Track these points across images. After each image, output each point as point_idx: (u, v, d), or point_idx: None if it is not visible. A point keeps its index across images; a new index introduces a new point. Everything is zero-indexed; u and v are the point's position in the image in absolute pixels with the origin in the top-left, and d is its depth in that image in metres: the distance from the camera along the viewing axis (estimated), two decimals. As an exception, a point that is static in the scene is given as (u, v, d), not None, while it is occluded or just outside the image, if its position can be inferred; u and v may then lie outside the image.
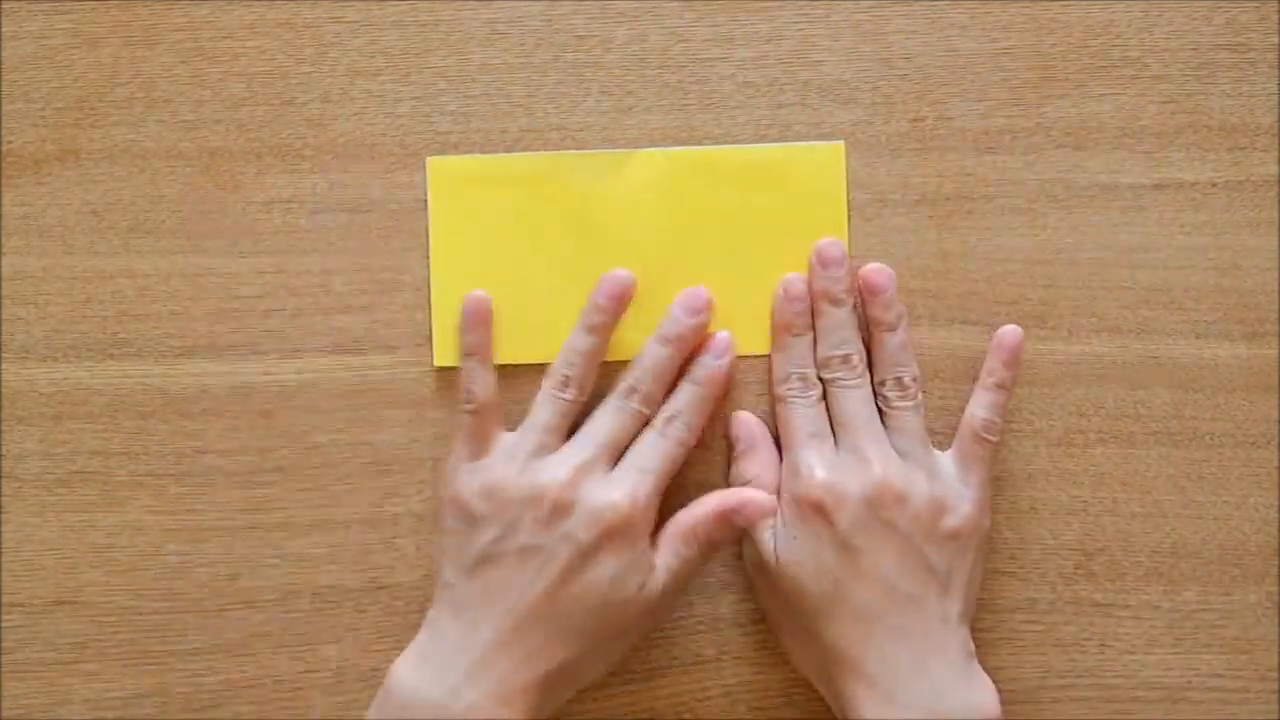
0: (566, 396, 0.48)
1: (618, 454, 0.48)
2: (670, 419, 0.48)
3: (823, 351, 0.49)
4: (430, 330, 0.51)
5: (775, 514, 0.48)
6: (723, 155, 0.50)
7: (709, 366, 0.49)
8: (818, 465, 0.47)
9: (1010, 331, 0.50)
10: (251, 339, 0.51)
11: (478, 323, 0.50)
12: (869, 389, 0.49)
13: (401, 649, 0.46)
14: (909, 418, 0.48)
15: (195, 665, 0.51)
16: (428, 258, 0.51)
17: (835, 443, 0.48)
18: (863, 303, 0.50)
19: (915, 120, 0.51)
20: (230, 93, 0.51)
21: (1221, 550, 0.50)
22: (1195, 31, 0.51)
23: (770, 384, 0.50)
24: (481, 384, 0.49)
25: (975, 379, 0.50)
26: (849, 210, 0.51)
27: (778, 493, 0.48)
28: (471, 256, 0.51)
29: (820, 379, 0.49)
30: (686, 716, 0.51)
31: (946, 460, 0.49)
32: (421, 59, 0.51)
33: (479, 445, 0.48)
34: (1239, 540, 0.50)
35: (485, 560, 0.46)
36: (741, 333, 0.50)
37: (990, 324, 0.50)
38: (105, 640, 0.51)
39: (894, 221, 0.51)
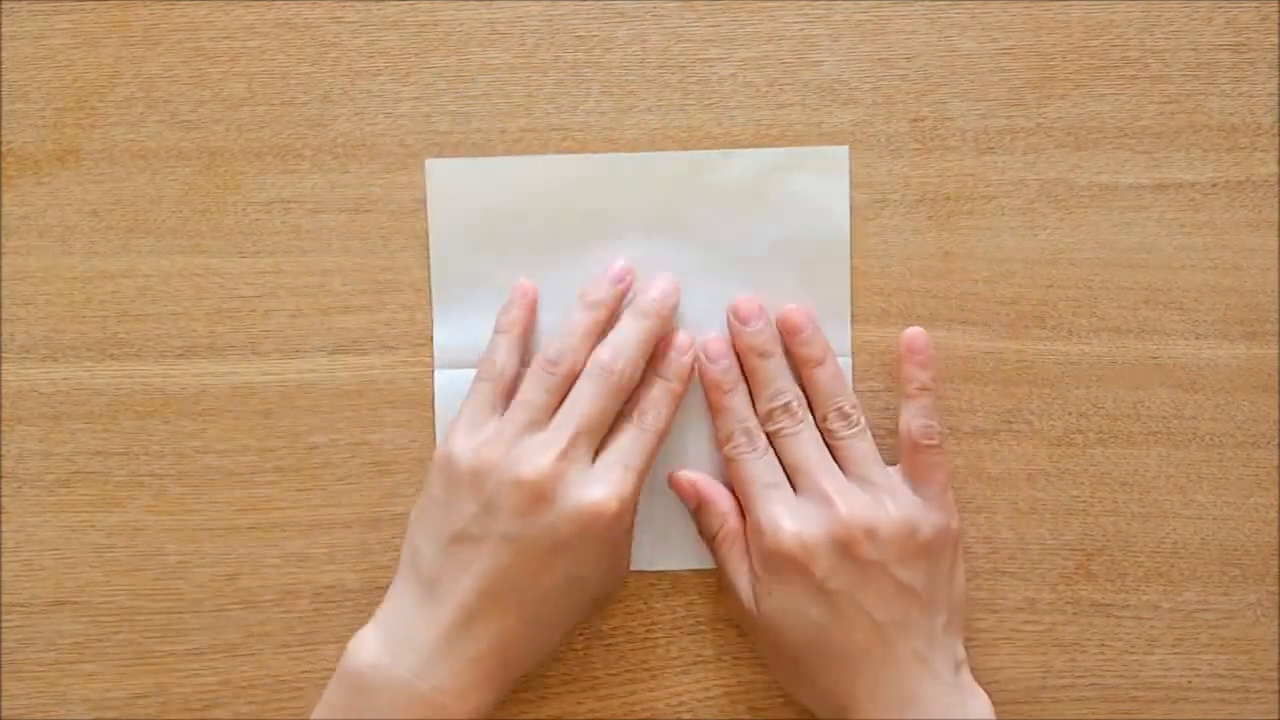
0: (556, 373, 0.47)
1: (600, 435, 0.47)
2: (644, 412, 0.48)
3: (762, 406, 0.49)
4: (431, 330, 0.51)
5: (747, 562, 0.48)
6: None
7: (676, 362, 0.49)
8: (781, 516, 0.46)
9: (916, 334, 0.49)
10: (251, 339, 0.51)
11: (521, 303, 0.50)
12: (814, 429, 0.48)
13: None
14: (857, 444, 0.48)
15: (195, 665, 0.51)
16: (427, 259, 0.51)
17: (794, 488, 0.48)
18: (787, 344, 0.49)
19: (915, 120, 0.51)
20: (230, 93, 0.51)
21: (1221, 550, 0.50)
22: (1195, 31, 0.51)
23: (718, 444, 0.50)
24: (505, 356, 0.48)
25: (975, 379, 0.50)
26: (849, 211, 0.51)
27: (745, 541, 0.48)
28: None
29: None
30: (686, 716, 0.51)
31: (901, 476, 0.48)
32: (421, 59, 0.51)
33: (484, 417, 0.47)
34: (1239, 540, 0.50)
35: (462, 538, 0.45)
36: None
37: (990, 324, 0.50)
38: (105, 640, 0.51)
39: (894, 221, 0.51)
